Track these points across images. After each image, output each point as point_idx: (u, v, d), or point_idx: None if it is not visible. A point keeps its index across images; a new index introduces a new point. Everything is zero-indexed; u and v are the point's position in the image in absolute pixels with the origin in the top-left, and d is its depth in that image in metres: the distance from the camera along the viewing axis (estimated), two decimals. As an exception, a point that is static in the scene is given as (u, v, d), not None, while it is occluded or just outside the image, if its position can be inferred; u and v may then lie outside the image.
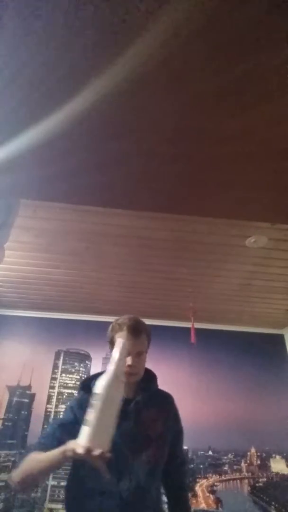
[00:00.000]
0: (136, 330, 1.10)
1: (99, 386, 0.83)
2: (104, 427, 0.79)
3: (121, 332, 1.10)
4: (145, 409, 1.08)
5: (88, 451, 0.74)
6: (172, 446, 1.11)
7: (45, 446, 0.95)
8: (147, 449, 1.02)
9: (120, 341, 0.93)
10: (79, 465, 0.98)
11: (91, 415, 0.79)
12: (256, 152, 1.07)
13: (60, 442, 0.95)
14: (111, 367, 0.86)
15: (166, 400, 1.18)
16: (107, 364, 0.91)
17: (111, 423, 0.80)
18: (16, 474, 0.93)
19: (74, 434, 1.00)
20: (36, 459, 0.92)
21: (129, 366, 1.05)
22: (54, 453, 0.86)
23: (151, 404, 1.10)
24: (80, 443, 0.77)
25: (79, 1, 0.67)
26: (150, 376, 1.18)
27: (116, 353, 0.89)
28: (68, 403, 1.16)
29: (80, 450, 0.75)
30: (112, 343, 1.13)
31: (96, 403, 0.80)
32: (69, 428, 1.01)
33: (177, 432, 1.15)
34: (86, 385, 1.14)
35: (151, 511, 1.01)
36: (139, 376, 1.11)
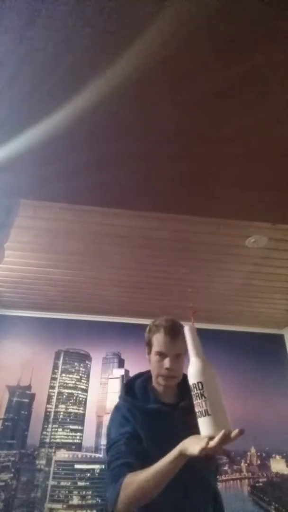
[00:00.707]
0: (173, 331, 1.06)
1: (195, 375, 0.81)
2: (223, 408, 0.77)
3: (158, 333, 1.08)
4: (190, 414, 1.02)
5: (227, 437, 0.69)
6: None
7: (134, 465, 0.89)
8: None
9: (186, 328, 0.89)
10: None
11: (204, 405, 0.76)
12: (256, 152, 1.07)
13: (140, 455, 0.91)
14: (192, 353, 0.84)
15: None
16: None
17: (223, 403, 0.78)
18: (125, 502, 0.85)
19: (141, 444, 0.96)
20: (143, 478, 0.83)
21: (167, 369, 1.02)
22: (169, 461, 0.80)
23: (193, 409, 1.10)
24: (207, 434, 0.73)
25: (79, 2, 0.67)
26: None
27: (188, 340, 0.87)
28: (115, 411, 1.09)
29: (216, 440, 0.69)
30: (149, 345, 1.11)
31: (202, 391, 0.77)
32: (138, 438, 0.97)
33: None
34: (130, 389, 1.11)
35: None
36: (178, 379, 1.07)
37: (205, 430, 0.75)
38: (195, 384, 0.80)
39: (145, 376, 1.15)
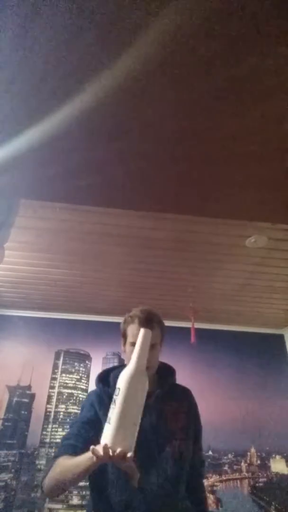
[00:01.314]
0: (147, 322, 1.05)
1: (121, 380, 0.77)
2: (127, 424, 0.72)
3: (132, 324, 1.07)
4: (165, 403, 1.04)
5: (106, 452, 0.68)
6: (193, 443, 1.06)
7: (73, 448, 0.91)
8: (171, 442, 0.98)
9: (141, 330, 0.85)
10: (98, 478, 0.93)
11: (112, 412, 0.73)
12: (257, 152, 1.06)
13: (88, 441, 0.89)
14: (132, 359, 0.80)
15: (185, 394, 1.15)
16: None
17: (134, 419, 0.73)
18: (47, 482, 0.87)
19: (99, 431, 0.94)
20: (65, 465, 0.86)
21: None
22: (82, 459, 0.79)
23: (171, 397, 1.07)
24: (101, 442, 0.71)
25: (79, 2, 0.67)
26: (168, 370, 1.15)
27: (137, 344, 0.82)
28: (86, 397, 1.10)
29: (100, 452, 0.69)
30: (124, 337, 1.10)
31: (117, 398, 0.74)
32: (94, 425, 0.96)
33: (198, 429, 1.11)
34: (105, 377, 1.11)
35: (178, 507, 0.96)
36: (153, 369, 1.06)
37: (102, 438, 0.72)
38: (117, 388, 0.77)
39: (122, 367, 1.15)
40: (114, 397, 0.76)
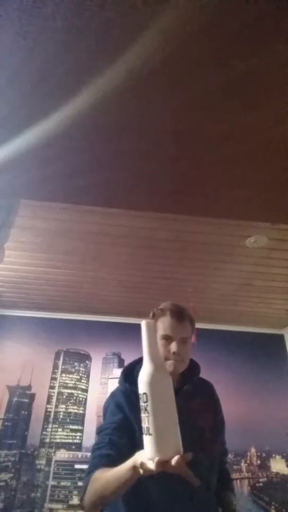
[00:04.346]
0: (180, 314, 1.01)
1: (142, 385, 0.69)
2: (168, 428, 0.66)
3: (163, 317, 1.01)
4: (192, 400, 0.99)
5: (161, 464, 0.60)
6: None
7: (107, 458, 0.83)
8: (202, 442, 0.93)
9: (143, 322, 0.75)
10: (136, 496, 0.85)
11: (147, 421, 0.66)
12: (256, 152, 1.07)
13: (122, 448, 0.84)
14: (146, 356, 0.72)
15: (209, 389, 1.12)
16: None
17: (173, 420, 0.66)
18: (87, 499, 0.79)
19: (132, 435, 0.87)
20: (104, 479, 0.77)
21: (174, 353, 0.95)
22: (123, 470, 0.71)
23: (197, 393, 1.02)
24: (148, 456, 0.63)
25: (80, 2, 0.67)
26: (194, 365, 1.10)
27: (144, 339, 0.73)
28: (110, 398, 1.01)
29: (151, 466, 0.60)
30: None
31: (148, 405, 0.67)
32: (126, 430, 0.89)
33: (221, 421, 1.08)
34: (130, 375, 1.02)
35: (213, 509, 0.93)
36: (185, 364, 1.00)
37: (147, 451, 0.64)
38: (141, 395, 0.69)
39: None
40: (143, 404, 0.68)
